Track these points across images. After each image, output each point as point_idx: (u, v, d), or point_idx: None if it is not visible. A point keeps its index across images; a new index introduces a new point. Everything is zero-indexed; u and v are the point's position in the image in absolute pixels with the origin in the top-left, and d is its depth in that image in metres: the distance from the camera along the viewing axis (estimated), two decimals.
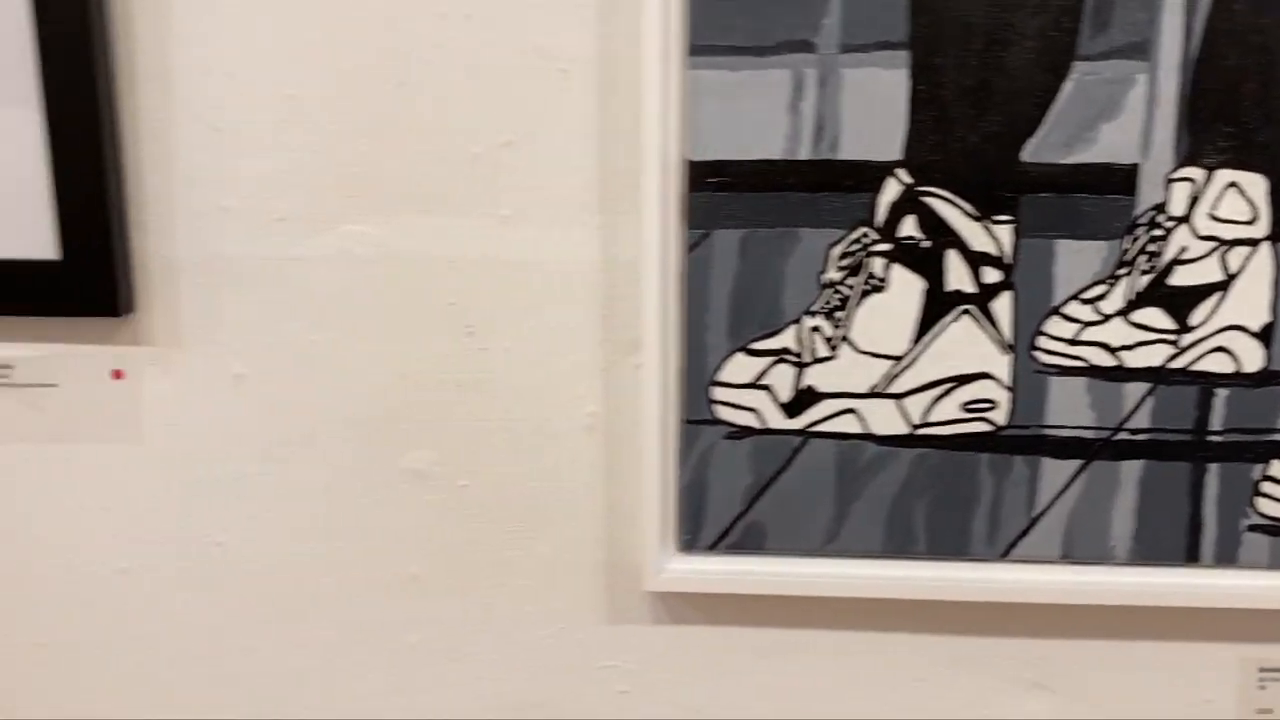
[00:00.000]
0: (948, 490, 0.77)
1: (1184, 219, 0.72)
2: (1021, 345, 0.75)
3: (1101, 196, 0.72)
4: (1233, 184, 0.71)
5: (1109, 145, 0.72)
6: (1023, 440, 0.76)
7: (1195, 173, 0.72)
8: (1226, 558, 0.77)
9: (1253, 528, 0.76)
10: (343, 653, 0.84)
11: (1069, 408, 0.75)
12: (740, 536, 0.78)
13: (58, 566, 0.83)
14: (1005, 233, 0.73)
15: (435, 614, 0.83)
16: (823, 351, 0.75)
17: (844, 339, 0.75)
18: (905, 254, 0.74)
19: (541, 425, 0.80)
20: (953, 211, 0.73)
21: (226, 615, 0.84)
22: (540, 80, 0.75)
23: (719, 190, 0.73)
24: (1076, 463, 0.76)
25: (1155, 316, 0.74)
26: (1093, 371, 0.75)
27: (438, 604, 0.83)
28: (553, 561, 0.82)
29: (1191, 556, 0.77)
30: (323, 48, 0.75)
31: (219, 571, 0.83)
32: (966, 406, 0.75)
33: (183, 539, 0.83)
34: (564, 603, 0.83)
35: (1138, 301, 0.74)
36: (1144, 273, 0.73)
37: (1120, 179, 0.72)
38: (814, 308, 0.75)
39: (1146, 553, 0.77)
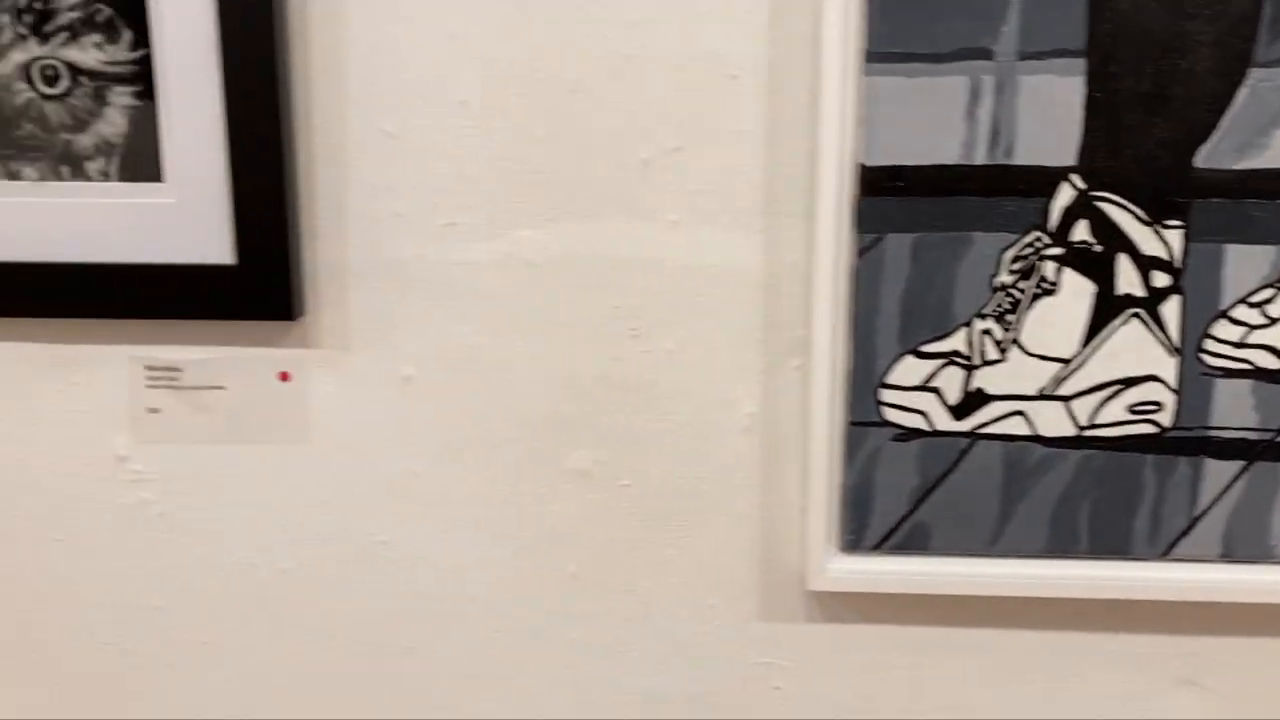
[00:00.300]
0: (1112, 491, 0.78)
1: None
2: (1188, 348, 0.75)
3: (1272, 201, 0.73)
4: None
5: None
6: (1187, 441, 0.77)
7: None
8: None
9: None
10: (503, 650, 0.85)
11: (1233, 409, 0.76)
12: (905, 537, 0.79)
13: (223, 565, 0.85)
14: (1176, 237, 0.74)
15: (595, 611, 0.84)
16: (992, 354, 0.76)
17: (1014, 341, 0.76)
18: (1077, 258, 0.75)
19: (701, 426, 0.81)
20: (1125, 216, 0.74)
21: (389, 614, 0.85)
22: (710, 86, 0.76)
23: (893, 195, 0.74)
24: (1239, 464, 0.77)
25: None
26: (1258, 374, 0.76)
27: (597, 601, 0.84)
28: (710, 560, 0.83)
29: None
30: (495, 52, 0.75)
31: (383, 571, 0.84)
32: (1133, 408, 0.76)
33: (347, 539, 0.84)
34: (721, 600, 0.84)
35: None
36: None
37: None
38: (985, 311, 0.76)
39: None
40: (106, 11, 0.74)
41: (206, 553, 0.84)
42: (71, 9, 0.74)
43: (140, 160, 0.77)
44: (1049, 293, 0.75)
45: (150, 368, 0.81)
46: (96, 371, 0.82)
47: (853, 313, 0.76)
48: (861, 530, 0.79)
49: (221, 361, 0.81)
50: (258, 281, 0.78)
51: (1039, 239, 0.74)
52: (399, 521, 0.83)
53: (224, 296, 0.79)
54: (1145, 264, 0.75)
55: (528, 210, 0.78)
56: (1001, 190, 0.74)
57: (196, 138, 0.76)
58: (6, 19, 0.74)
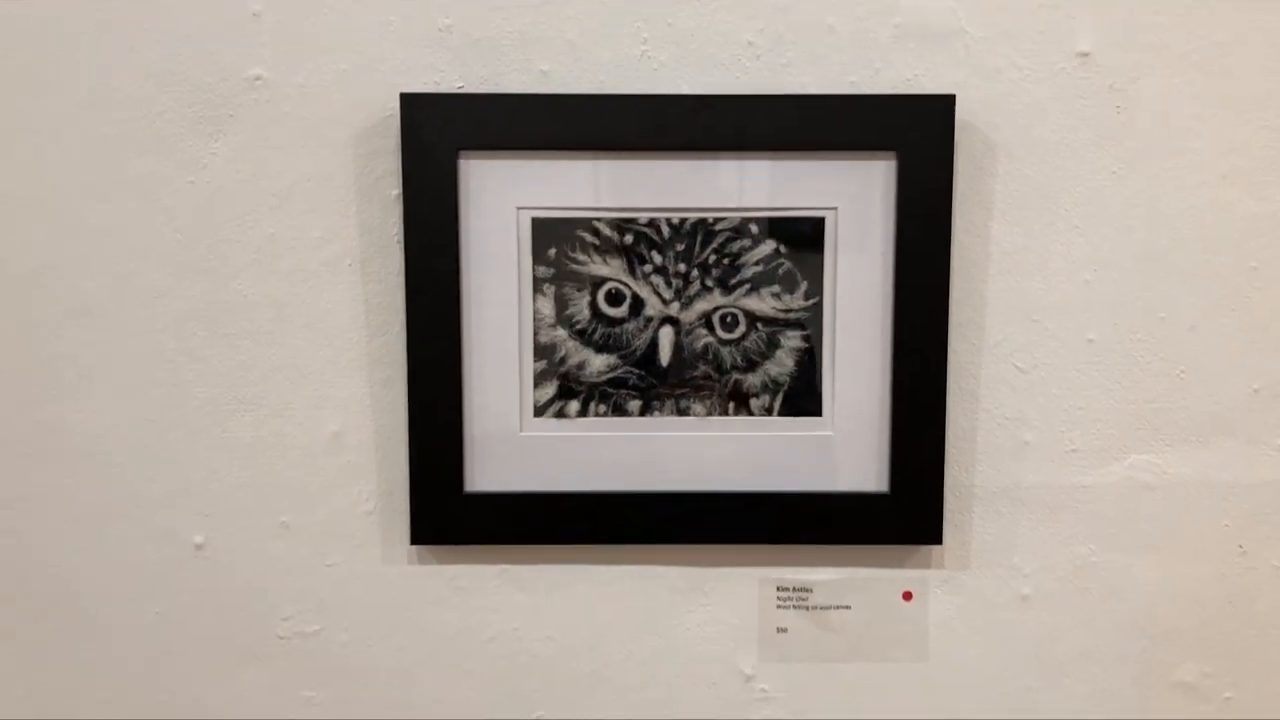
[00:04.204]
0: None
1: None
2: None
3: None
4: None
5: None
6: None
7: None
8: None
9: None
10: None
11: None
12: None
13: None
14: None
15: None
16: None
17: None
18: None
19: None
20: None
21: None
22: None
23: None
24: None
25: None
26: None
27: None
28: None
29: None
30: (1123, 296, 0.83)
31: None
32: None
33: None
34: None
35: None
36: None
37: None
38: None
39: None
40: (787, 265, 0.82)
41: None
42: (756, 264, 0.82)
43: (802, 397, 0.83)
44: None
45: (781, 589, 0.86)
46: (728, 594, 0.86)
47: None
48: None
49: (851, 582, 0.86)
50: (908, 508, 0.83)
51: None
52: None
53: (872, 522, 0.84)
54: None
55: (1144, 438, 0.85)
56: None
57: (858, 377, 0.83)
58: (696, 273, 0.82)
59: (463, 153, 0.81)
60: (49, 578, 0.85)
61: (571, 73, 0.82)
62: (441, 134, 0.81)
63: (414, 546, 0.85)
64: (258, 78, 0.82)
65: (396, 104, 0.81)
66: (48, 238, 0.83)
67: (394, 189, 0.83)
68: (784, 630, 0.86)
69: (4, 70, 0.81)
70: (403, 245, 0.82)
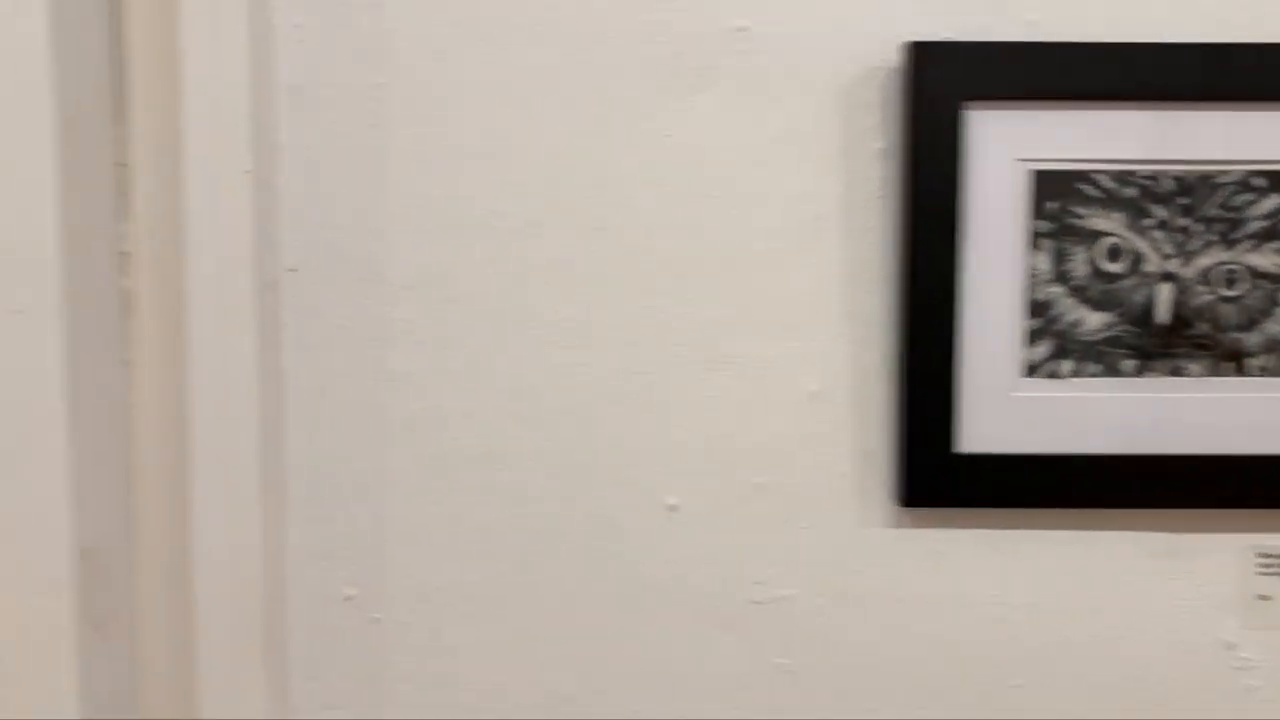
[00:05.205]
0: None
1: None
2: None
3: None
4: None
5: None
6: None
7: None
8: None
9: None
10: None
11: None
12: None
13: None
14: None
15: None
16: None
17: None
18: None
19: None
20: None
21: None
22: None
23: None
24: None
25: None
26: None
27: None
28: None
29: None
30: None
31: None
32: None
33: None
34: None
35: None
36: None
37: None
38: None
39: None
40: None
41: None
42: (1263, 218, 0.80)
43: None
44: None
45: (1263, 555, 0.84)
46: (1207, 560, 0.84)
47: None
48: None
49: None
50: None
51: None
52: None
53: None
54: None
55: None
56: None
57: None
58: (1199, 228, 0.80)
59: (964, 103, 0.79)
60: (527, 532, 0.84)
61: (1058, 23, 0.80)
62: (945, 84, 0.78)
63: (888, 509, 0.83)
64: (741, 28, 0.80)
65: (883, 55, 0.79)
66: (529, 193, 0.81)
67: (878, 143, 0.81)
68: (1266, 598, 0.84)
69: (487, 24, 0.80)
70: (895, 200, 0.80)
